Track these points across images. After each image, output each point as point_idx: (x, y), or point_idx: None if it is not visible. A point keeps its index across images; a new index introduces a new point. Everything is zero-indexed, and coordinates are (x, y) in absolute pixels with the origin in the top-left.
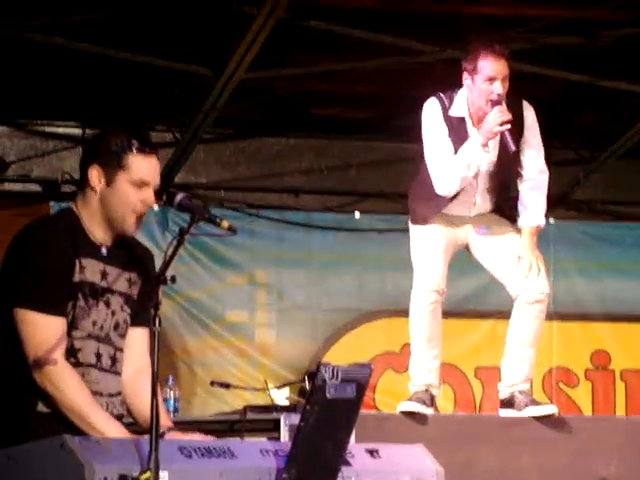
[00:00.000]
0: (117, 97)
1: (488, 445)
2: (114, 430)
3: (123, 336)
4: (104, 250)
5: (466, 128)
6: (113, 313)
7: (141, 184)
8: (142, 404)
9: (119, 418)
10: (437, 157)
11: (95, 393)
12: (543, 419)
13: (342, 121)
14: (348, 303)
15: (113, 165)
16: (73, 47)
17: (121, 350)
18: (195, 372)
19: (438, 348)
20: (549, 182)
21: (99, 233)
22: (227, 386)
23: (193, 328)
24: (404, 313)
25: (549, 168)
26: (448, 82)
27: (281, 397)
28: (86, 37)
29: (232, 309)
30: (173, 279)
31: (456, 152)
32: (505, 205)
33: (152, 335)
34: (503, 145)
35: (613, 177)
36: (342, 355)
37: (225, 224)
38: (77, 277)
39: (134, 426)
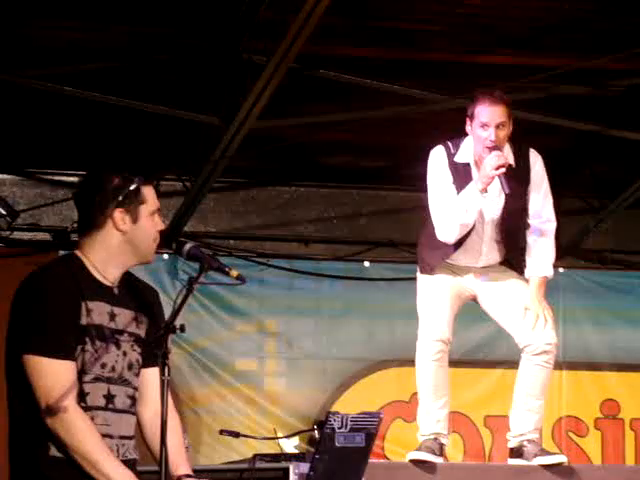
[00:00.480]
0: (127, 146)
1: None
2: (126, 479)
3: (138, 375)
4: (116, 291)
5: (471, 174)
6: (125, 354)
7: (154, 212)
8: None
9: (132, 463)
10: (438, 204)
11: (105, 436)
12: (553, 468)
13: (352, 170)
14: (357, 352)
15: (136, 203)
16: (83, 96)
17: (136, 388)
18: (204, 420)
19: (445, 397)
20: (559, 231)
21: (113, 274)
22: (237, 435)
23: (202, 376)
24: (413, 362)
25: (559, 217)
26: (459, 131)
27: (290, 446)
28: (96, 86)
29: (241, 357)
30: (182, 328)
31: None
32: (515, 257)
33: (161, 384)
34: (507, 194)
35: (623, 226)
36: (351, 404)
37: (234, 273)
38: (84, 320)
39: (148, 475)
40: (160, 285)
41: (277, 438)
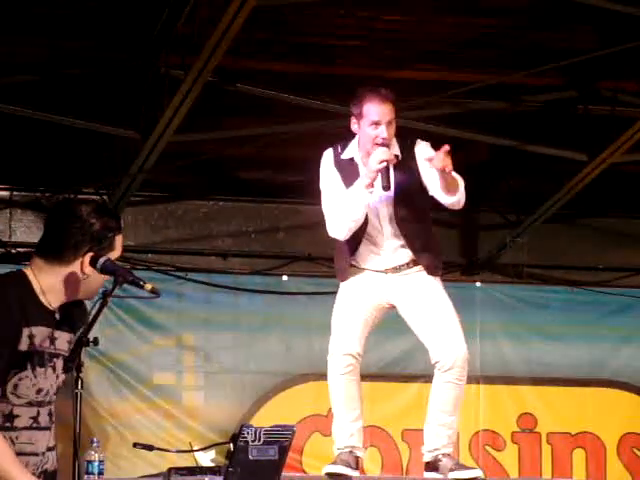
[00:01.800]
0: (45, 160)
1: None
2: None
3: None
4: (53, 315)
5: (357, 168)
6: (57, 377)
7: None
8: None
9: (53, 474)
10: (327, 202)
11: (30, 454)
12: None
13: (270, 184)
14: (275, 366)
15: (107, 251)
16: (2, 110)
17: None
18: (122, 434)
19: (357, 410)
20: (476, 245)
21: (58, 301)
22: (151, 448)
23: (120, 390)
24: None
25: (476, 232)
26: None
27: (207, 459)
28: (13, 99)
29: (160, 371)
30: (95, 341)
31: None
32: (424, 257)
33: (75, 397)
34: (397, 187)
35: (539, 241)
36: (270, 418)
37: (148, 286)
38: (25, 346)
39: None
40: None
41: (192, 451)
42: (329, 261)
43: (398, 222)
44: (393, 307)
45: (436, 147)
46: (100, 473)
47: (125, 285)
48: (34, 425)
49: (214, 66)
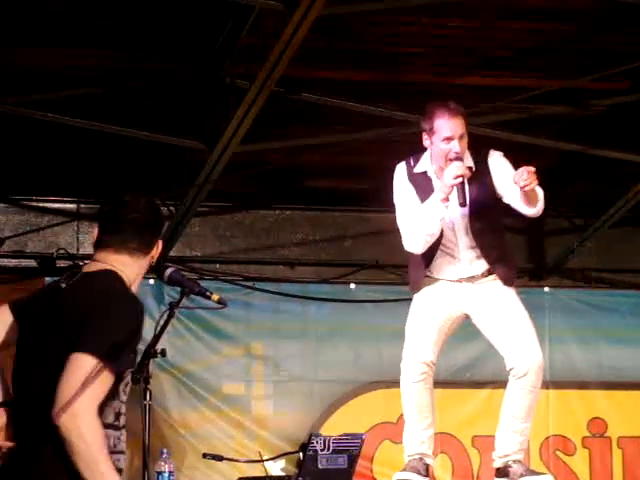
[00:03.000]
0: (111, 172)
1: None
2: None
3: None
4: None
5: (431, 182)
6: None
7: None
8: None
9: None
10: (403, 216)
11: (121, 452)
12: None
13: (336, 192)
14: (344, 374)
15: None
16: (67, 123)
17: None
18: (192, 444)
19: (430, 418)
20: (543, 250)
21: None
22: (220, 458)
23: (189, 400)
24: (399, 384)
25: (543, 237)
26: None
27: (277, 469)
28: (80, 112)
29: (228, 381)
30: (163, 352)
31: None
32: (499, 266)
33: (143, 409)
34: (472, 200)
35: (606, 245)
36: (339, 426)
37: (215, 297)
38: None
39: None
40: (147, 310)
41: (261, 461)
42: (397, 268)
43: (474, 234)
44: (467, 317)
45: (507, 156)
46: None
47: (192, 296)
48: (120, 425)
49: (279, 76)
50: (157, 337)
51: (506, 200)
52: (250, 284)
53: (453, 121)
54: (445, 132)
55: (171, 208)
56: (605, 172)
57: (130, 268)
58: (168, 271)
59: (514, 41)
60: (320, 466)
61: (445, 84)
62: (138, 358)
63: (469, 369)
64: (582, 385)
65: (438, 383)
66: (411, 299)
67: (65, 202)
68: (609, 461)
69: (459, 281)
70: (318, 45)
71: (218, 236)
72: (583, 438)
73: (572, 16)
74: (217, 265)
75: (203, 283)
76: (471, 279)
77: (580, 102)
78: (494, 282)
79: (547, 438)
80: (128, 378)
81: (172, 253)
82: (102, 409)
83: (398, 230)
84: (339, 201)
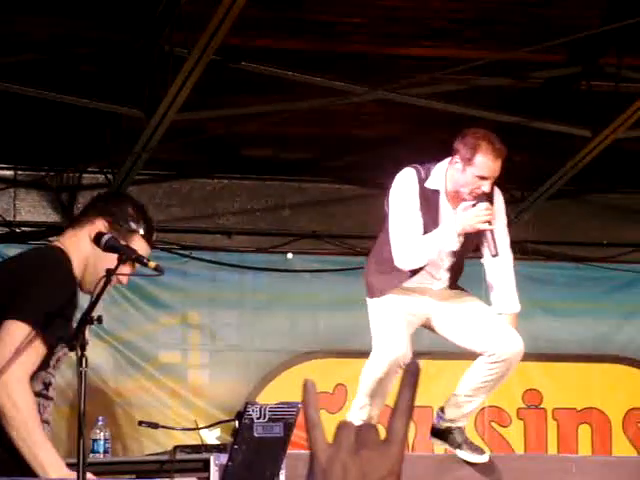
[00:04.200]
0: (49, 139)
1: None
2: (59, 470)
3: None
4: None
5: (439, 201)
6: None
7: (127, 262)
8: None
9: None
10: (402, 229)
11: (47, 422)
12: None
13: (274, 162)
14: (281, 344)
15: (118, 233)
16: (5, 89)
17: None
18: (128, 412)
19: (378, 408)
20: None
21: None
22: (155, 426)
23: (125, 369)
24: (337, 354)
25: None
26: (379, 122)
27: (212, 437)
28: (16, 78)
29: (165, 350)
30: (100, 319)
31: (425, 223)
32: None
33: (79, 375)
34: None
35: (544, 218)
36: (275, 396)
37: (152, 264)
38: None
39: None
40: None
41: (197, 429)
42: (334, 238)
43: (456, 254)
44: (427, 320)
45: (445, 128)
46: (106, 452)
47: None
48: (50, 396)
49: (218, 44)
50: (93, 304)
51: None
52: (187, 253)
53: (496, 164)
54: (484, 172)
55: (109, 176)
56: (543, 144)
57: (75, 245)
58: (105, 237)
59: (452, 11)
60: (256, 434)
61: (382, 54)
62: (74, 325)
63: None
64: None
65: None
66: (347, 269)
67: (2, 169)
68: (544, 432)
69: (428, 288)
70: (257, 14)
71: (155, 204)
72: (518, 409)
73: None
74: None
75: None
76: (439, 289)
77: (518, 74)
78: (456, 290)
79: (482, 409)
80: (60, 353)
81: None
82: (31, 378)
83: (335, 200)
84: (277, 170)
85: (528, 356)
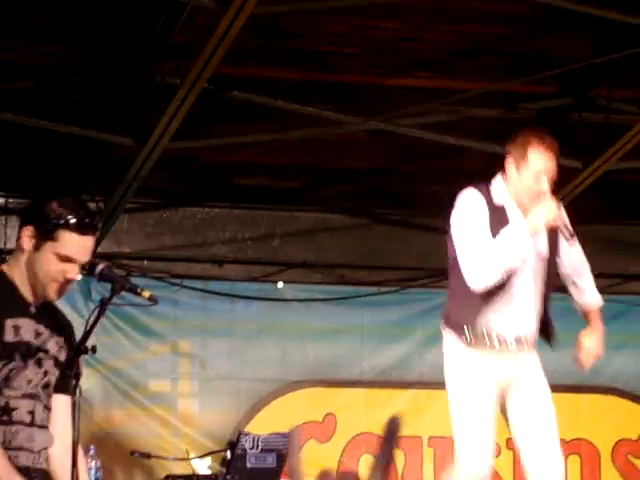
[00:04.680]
0: (41, 166)
1: None
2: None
3: (50, 396)
4: (33, 309)
5: (507, 217)
6: (45, 373)
7: (66, 259)
8: None
9: (44, 473)
10: (472, 247)
11: (26, 449)
12: None
13: (265, 191)
14: (271, 373)
15: (44, 233)
16: None
17: (49, 409)
18: (118, 442)
19: None
20: None
21: (27, 292)
22: (148, 456)
23: (116, 398)
24: (326, 383)
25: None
26: (373, 153)
27: (203, 467)
28: (9, 107)
29: (155, 379)
30: (94, 349)
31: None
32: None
33: (73, 405)
34: (551, 247)
35: None
36: (265, 425)
37: (146, 294)
38: (12, 337)
39: None
40: (73, 306)
41: (189, 459)
42: (324, 268)
43: (545, 284)
44: (503, 403)
45: (435, 159)
46: None
47: (122, 293)
48: (34, 422)
49: (210, 74)
50: (87, 333)
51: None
52: (178, 282)
53: (550, 158)
54: (538, 165)
55: (100, 204)
56: None
57: (13, 261)
58: (99, 267)
59: (445, 43)
60: (249, 465)
61: (375, 85)
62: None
63: (394, 369)
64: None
65: (362, 383)
66: (336, 298)
67: None
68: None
69: (509, 344)
70: (249, 43)
71: (146, 233)
72: (507, 439)
73: (504, 20)
74: (145, 262)
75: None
76: (520, 343)
77: (510, 105)
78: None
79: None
80: (6, 370)
81: (100, 249)
82: None
83: (326, 230)
84: (268, 200)
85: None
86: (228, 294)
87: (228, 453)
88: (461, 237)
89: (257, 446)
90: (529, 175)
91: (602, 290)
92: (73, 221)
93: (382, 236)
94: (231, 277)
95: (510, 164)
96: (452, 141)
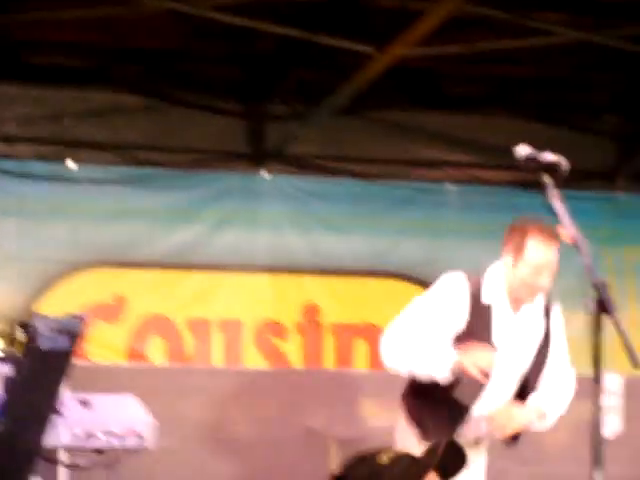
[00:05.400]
0: None
1: (199, 397)
2: None
3: None
4: None
5: (490, 319)
6: None
7: None
8: None
9: None
10: (409, 329)
11: None
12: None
13: (57, 69)
14: (61, 254)
15: None
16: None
17: None
18: None
19: None
20: (264, 136)
21: None
22: None
23: None
24: (116, 264)
25: (265, 122)
26: (166, 34)
27: None
28: None
29: None
30: None
31: (478, 339)
32: None
33: None
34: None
35: (328, 133)
36: (52, 305)
37: None
38: None
39: None
40: None
41: None
42: (116, 149)
43: None
44: None
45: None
46: None
47: None
48: None
49: None
50: None
51: None
52: None
53: (550, 249)
54: (537, 258)
55: None
56: (328, 59)
57: None
58: None
59: None
60: (41, 346)
61: None
62: None
63: (185, 252)
64: (297, 271)
65: (153, 265)
66: (127, 180)
67: None
68: (321, 347)
69: None
70: None
71: None
72: (297, 323)
73: None
74: None
75: None
76: None
77: None
78: None
79: (262, 324)
80: None
81: None
82: None
83: (119, 110)
84: (61, 78)
85: (308, 270)
86: (17, 173)
87: (18, 334)
88: (407, 311)
89: (50, 328)
90: (526, 269)
91: (391, 176)
92: None
93: (175, 118)
94: (21, 156)
95: (507, 257)
96: (246, 23)
